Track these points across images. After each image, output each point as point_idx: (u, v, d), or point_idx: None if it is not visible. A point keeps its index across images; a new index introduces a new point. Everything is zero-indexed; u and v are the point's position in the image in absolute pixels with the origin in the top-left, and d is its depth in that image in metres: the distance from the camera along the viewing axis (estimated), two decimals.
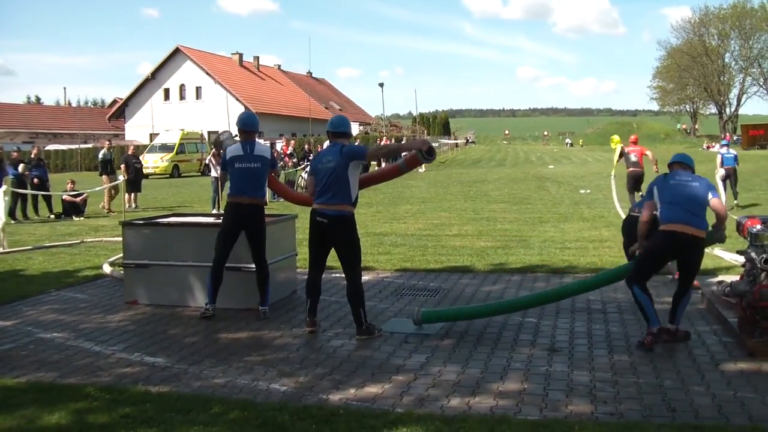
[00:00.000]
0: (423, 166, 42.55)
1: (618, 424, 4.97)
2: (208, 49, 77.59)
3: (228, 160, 8.38)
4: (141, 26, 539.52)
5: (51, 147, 61.95)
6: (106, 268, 11.25)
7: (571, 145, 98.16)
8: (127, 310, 8.88)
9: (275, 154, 26.45)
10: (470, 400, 5.53)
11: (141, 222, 9.63)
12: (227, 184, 8.85)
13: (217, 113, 62.86)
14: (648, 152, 18.42)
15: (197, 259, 8.68)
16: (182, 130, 51.38)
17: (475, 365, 6.41)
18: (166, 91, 70.27)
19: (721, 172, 20.14)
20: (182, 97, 70.18)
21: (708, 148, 70.51)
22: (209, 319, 8.25)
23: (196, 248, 8.79)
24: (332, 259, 9.48)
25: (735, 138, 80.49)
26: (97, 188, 22.73)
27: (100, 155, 23.90)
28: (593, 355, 6.66)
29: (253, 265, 8.36)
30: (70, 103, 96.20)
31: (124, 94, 74.88)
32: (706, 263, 8.32)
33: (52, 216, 21.12)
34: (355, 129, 74.07)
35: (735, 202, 19.44)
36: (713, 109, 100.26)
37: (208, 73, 68.23)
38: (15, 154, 22.04)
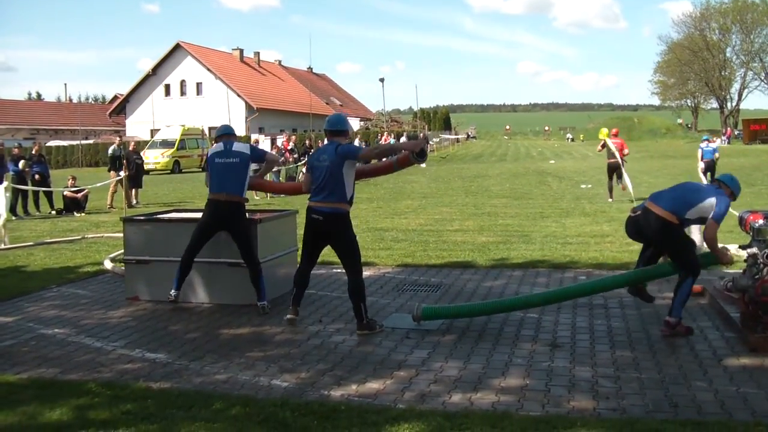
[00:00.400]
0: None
1: (620, 419, 4.95)
2: (209, 45, 77.64)
3: (209, 158, 8.61)
4: (141, 22, 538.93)
5: (52, 143, 62.00)
6: (107, 264, 11.24)
7: (572, 140, 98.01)
8: (128, 306, 8.88)
9: (276, 150, 26.52)
10: (472, 395, 5.52)
11: (142, 218, 9.62)
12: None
13: (218, 109, 62.94)
14: (626, 150, 20.84)
15: (198, 255, 8.66)
16: (183, 125, 51.35)
17: (477, 361, 6.40)
18: (167, 87, 70.23)
19: (701, 165, 22.74)
20: (183, 93, 70.14)
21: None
22: (175, 303, 8.57)
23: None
24: (332, 255, 9.43)
25: (736, 133, 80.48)
26: (101, 183, 22.72)
27: (110, 151, 23.79)
28: (595, 350, 6.65)
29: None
30: (71, 99, 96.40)
31: (124, 90, 74.95)
32: None
33: (53, 212, 21.13)
34: (356, 124, 74.09)
35: None
36: (714, 104, 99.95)
37: (208, 69, 68.19)
38: (16, 150, 22.02)
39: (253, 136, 37.78)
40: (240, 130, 63.33)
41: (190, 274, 8.69)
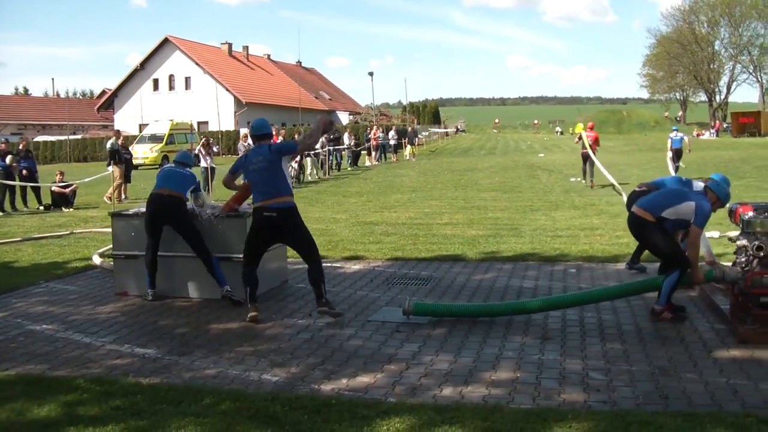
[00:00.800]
0: (414, 155, 42.51)
1: (611, 412, 4.96)
2: (198, 39, 77.32)
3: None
4: (129, 16, 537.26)
5: (39, 138, 61.77)
6: (96, 260, 11.20)
7: (562, 133, 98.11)
8: (117, 301, 8.84)
9: None
10: (463, 389, 5.51)
11: (130, 213, 9.56)
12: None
13: (207, 103, 62.81)
14: (598, 146, 24.08)
15: (187, 249, 8.63)
16: (171, 120, 51.17)
17: (468, 354, 6.39)
18: (155, 82, 70.02)
19: (670, 153, 25.78)
20: (171, 88, 69.96)
21: (698, 135, 70.68)
22: (153, 301, 8.67)
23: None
24: (322, 249, 9.43)
25: (725, 126, 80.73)
26: (90, 178, 22.63)
27: (109, 145, 23.62)
28: (586, 343, 6.65)
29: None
30: (58, 94, 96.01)
31: (113, 85, 74.65)
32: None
33: (41, 207, 21.03)
34: (345, 118, 74.00)
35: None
36: (703, 97, 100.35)
37: (197, 64, 67.98)
38: (3, 145, 21.84)
39: (242, 131, 37.70)
40: (229, 125, 63.29)
41: (179, 269, 8.71)
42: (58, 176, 21.96)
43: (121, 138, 24.75)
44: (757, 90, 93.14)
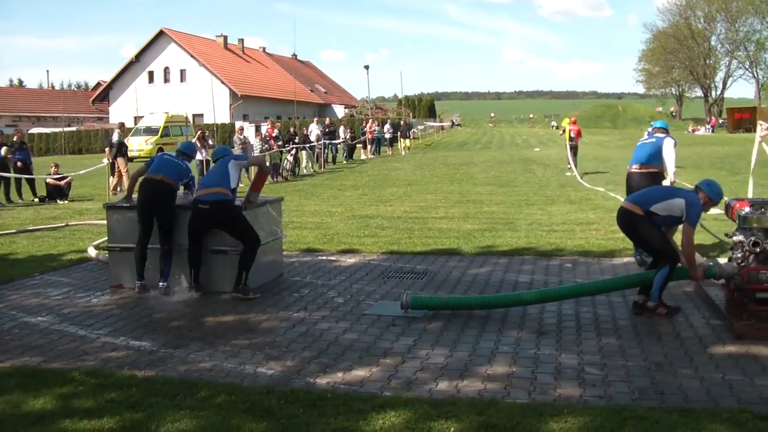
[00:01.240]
0: (408, 148, 42.40)
1: (607, 407, 4.96)
2: (193, 32, 77.33)
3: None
4: (124, 8, 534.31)
5: (34, 130, 61.60)
6: (91, 252, 11.17)
7: (557, 127, 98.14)
8: (112, 293, 8.83)
9: (260, 137, 26.41)
10: (458, 383, 5.52)
11: (126, 205, 9.53)
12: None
13: (202, 96, 62.64)
14: (580, 137, 27.42)
15: (183, 242, 8.62)
16: (167, 112, 51.02)
17: (463, 348, 6.39)
18: (150, 74, 69.95)
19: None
20: (166, 80, 69.90)
21: (693, 131, 70.65)
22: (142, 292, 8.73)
23: (182, 231, 8.72)
24: (318, 242, 9.40)
25: (720, 121, 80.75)
26: (85, 170, 22.56)
27: (115, 137, 23.48)
28: (581, 338, 6.66)
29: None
30: (53, 86, 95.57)
31: (108, 77, 74.51)
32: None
33: (36, 200, 20.98)
34: (341, 112, 73.90)
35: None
36: (699, 93, 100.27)
37: (192, 56, 67.93)
38: None
39: (238, 124, 37.59)
40: (224, 118, 63.18)
41: (174, 261, 8.70)
42: (53, 168, 21.89)
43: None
44: (752, 86, 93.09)
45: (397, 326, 7.13)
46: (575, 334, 6.76)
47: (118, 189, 21.80)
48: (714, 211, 8.44)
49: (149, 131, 47.91)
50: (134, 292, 8.75)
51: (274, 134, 27.70)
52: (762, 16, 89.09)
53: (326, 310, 7.77)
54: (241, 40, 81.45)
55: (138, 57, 70.17)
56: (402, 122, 51.14)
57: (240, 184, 8.95)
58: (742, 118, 71.04)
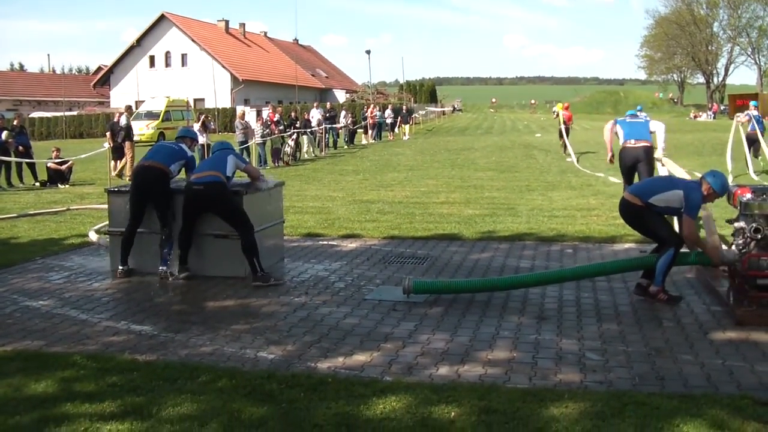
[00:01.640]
0: (407, 133, 42.35)
1: (607, 392, 4.96)
2: (194, 16, 77.11)
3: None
4: None
5: (35, 114, 61.53)
6: (92, 236, 11.17)
7: (557, 115, 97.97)
8: (114, 278, 8.83)
9: (261, 122, 26.37)
10: (459, 368, 5.52)
11: (127, 189, 9.52)
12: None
13: (203, 80, 62.56)
14: (571, 122, 30.01)
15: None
16: (168, 97, 50.97)
17: (464, 333, 6.39)
18: (152, 59, 69.73)
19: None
20: (168, 65, 69.67)
21: (695, 117, 70.46)
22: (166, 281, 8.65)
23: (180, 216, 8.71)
24: (319, 227, 9.40)
25: (722, 108, 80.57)
26: (86, 154, 22.52)
27: (124, 121, 23.44)
28: (582, 323, 6.66)
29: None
30: (54, 70, 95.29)
31: (109, 62, 74.20)
32: None
33: (37, 184, 20.96)
34: (342, 97, 73.73)
35: None
36: (701, 79, 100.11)
37: (193, 40, 67.68)
38: None
39: (239, 108, 37.56)
40: (225, 102, 63.08)
41: (176, 246, 8.72)
42: (54, 153, 21.88)
43: (117, 115, 24.63)
44: (755, 72, 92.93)
45: (398, 311, 7.13)
46: (576, 320, 6.76)
47: (125, 172, 21.79)
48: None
49: (150, 115, 47.92)
50: (135, 277, 8.74)
51: (275, 119, 27.65)
52: (765, 3, 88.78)
53: (327, 295, 7.78)
54: (243, 25, 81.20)
55: (139, 41, 69.94)
56: (403, 107, 51.00)
57: (235, 178, 8.90)
58: (744, 105, 70.84)
